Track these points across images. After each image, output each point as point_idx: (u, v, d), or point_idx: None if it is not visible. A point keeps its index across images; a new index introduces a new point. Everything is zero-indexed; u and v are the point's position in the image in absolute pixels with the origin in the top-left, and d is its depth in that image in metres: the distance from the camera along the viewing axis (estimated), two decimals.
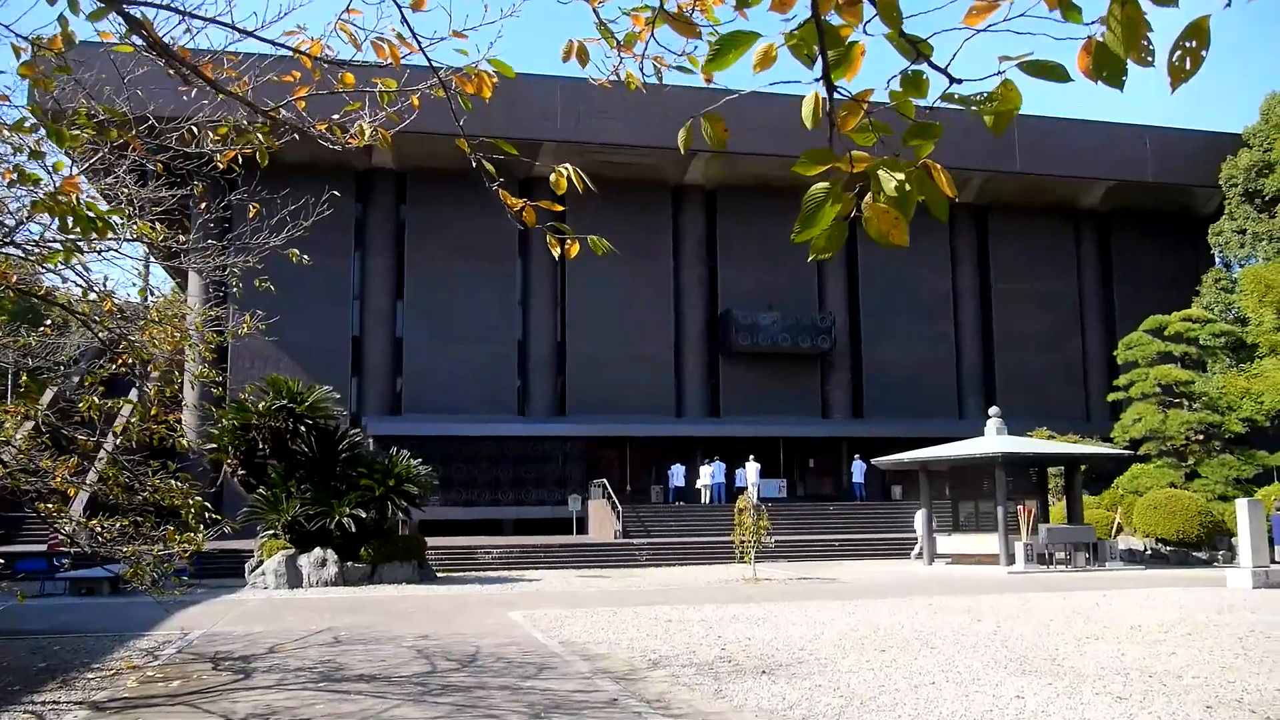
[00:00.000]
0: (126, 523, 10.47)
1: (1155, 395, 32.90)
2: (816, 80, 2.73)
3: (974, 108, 2.55)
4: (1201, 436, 31.86)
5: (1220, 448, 32.42)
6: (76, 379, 12.22)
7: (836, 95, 2.68)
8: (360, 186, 41.13)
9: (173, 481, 9.59)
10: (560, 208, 4.89)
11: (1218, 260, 44.15)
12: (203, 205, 10.44)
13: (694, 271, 43.38)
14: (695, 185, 43.43)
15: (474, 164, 5.11)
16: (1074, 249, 47.95)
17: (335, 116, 6.20)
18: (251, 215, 9.88)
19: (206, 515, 10.59)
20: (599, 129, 39.58)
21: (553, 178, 4.70)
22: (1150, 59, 2.46)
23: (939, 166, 2.64)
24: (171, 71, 5.63)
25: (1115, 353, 36.21)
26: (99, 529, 10.48)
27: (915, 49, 2.58)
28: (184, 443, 9.68)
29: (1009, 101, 2.56)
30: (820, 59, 2.66)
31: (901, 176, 2.56)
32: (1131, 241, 48.39)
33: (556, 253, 4.80)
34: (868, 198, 2.65)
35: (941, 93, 2.63)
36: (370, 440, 36.56)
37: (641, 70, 4.61)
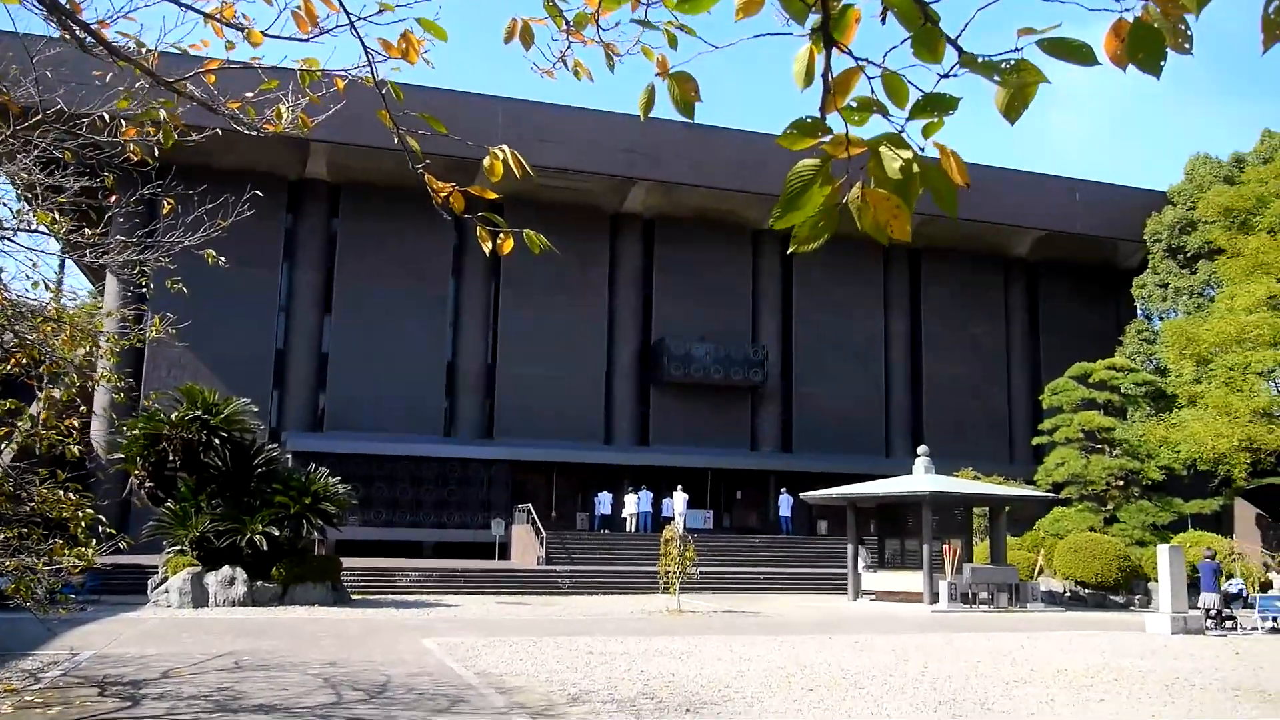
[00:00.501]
0: (11, 534, 9.73)
1: (1078, 440, 33.37)
2: (808, 33, 2.36)
3: (995, 76, 2.20)
4: (1121, 482, 32.36)
5: (1139, 494, 32.96)
6: None
7: (836, 56, 2.30)
8: (292, 197, 40.17)
9: (61, 492, 8.88)
10: (494, 195, 4.45)
11: (1139, 313, 45.18)
12: (113, 198, 9.75)
13: (629, 300, 43.11)
14: (634, 214, 43.25)
15: (397, 140, 4.66)
16: (1003, 297, 48.76)
17: (249, 94, 5.70)
18: (166, 212, 9.31)
19: (100, 529, 9.90)
20: (540, 152, 39.07)
21: (486, 161, 4.26)
22: (1189, 46, 2.15)
23: (950, 149, 2.29)
24: (65, 34, 5.11)
25: (1040, 397, 36.74)
26: None
27: (924, 11, 2.23)
28: (74, 450, 8.96)
29: (1030, 75, 2.22)
30: (821, 8, 2.28)
31: (909, 155, 2.19)
32: (1058, 292, 49.40)
33: (488, 248, 4.37)
34: (856, 189, 2.28)
35: (953, 64, 2.26)
36: (290, 456, 35.46)
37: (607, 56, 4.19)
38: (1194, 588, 20.78)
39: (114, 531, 10.15)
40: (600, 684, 11.03)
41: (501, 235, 4.38)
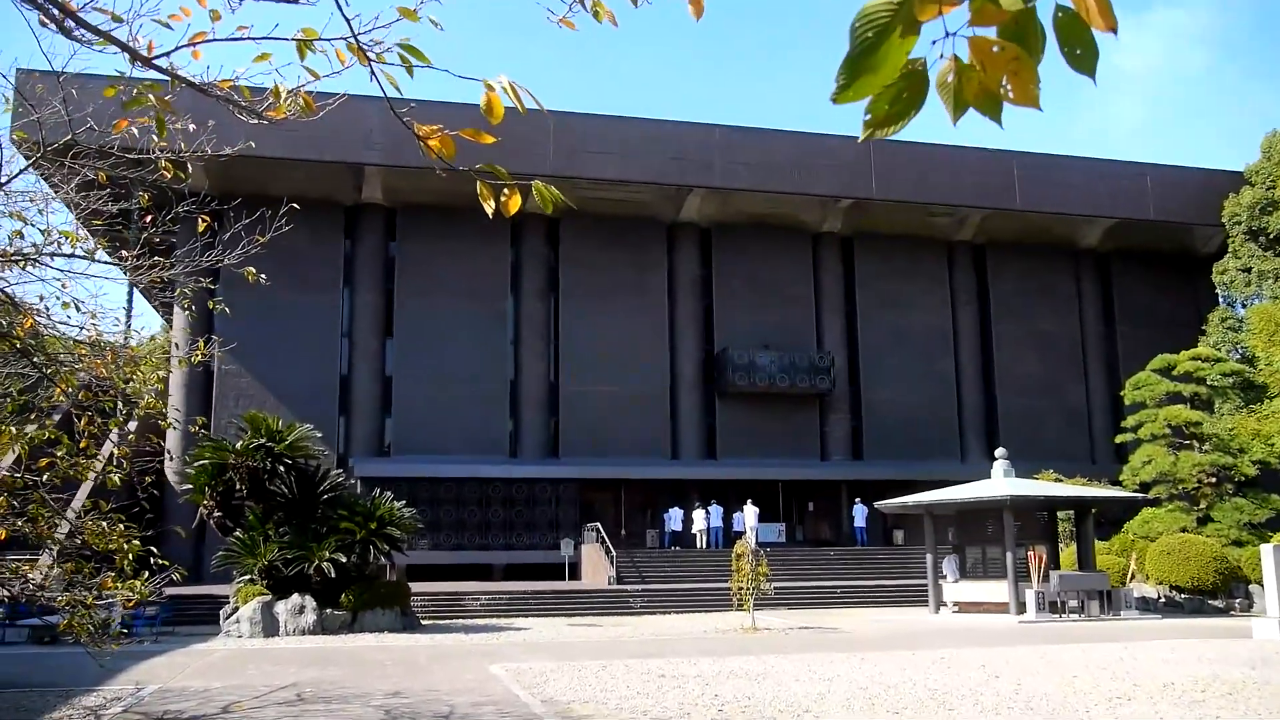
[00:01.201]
0: (71, 568, 9.49)
1: (1165, 436, 31.95)
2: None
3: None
4: (1214, 479, 30.88)
5: (1233, 491, 31.44)
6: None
7: None
8: (349, 222, 40.36)
9: (104, 524, 8.59)
10: (491, 139, 3.92)
11: (1221, 299, 43.38)
12: (147, 218, 9.46)
13: (689, 310, 42.54)
14: (690, 223, 42.71)
15: (404, 126, 4.17)
16: (1074, 289, 47.23)
17: (239, 70, 5.24)
18: (201, 230, 8.98)
19: (153, 560, 9.61)
20: (590, 164, 38.93)
21: (482, 100, 3.70)
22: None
23: None
24: (44, 20, 4.72)
25: (1121, 393, 35.31)
26: (34, 574, 9.49)
27: None
28: (115, 480, 8.66)
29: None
30: None
31: None
32: (1131, 281, 47.72)
33: (490, 207, 3.83)
34: (948, 61, 1.65)
35: None
36: (357, 482, 35.53)
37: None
38: None
39: (166, 563, 9.84)
40: (672, 710, 10.45)
41: (507, 193, 3.83)
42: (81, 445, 8.42)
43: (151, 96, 5.20)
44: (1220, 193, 43.00)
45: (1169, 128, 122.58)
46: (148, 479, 9.21)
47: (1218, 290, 42.86)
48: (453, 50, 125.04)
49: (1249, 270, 40.66)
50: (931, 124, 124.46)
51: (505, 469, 38.50)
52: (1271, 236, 39.98)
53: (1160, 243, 47.11)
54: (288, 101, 4.68)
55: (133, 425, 36.85)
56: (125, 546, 8.44)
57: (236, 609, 23.13)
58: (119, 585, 9.32)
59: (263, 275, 9.61)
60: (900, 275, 44.94)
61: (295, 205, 38.08)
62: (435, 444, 38.90)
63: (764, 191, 40.95)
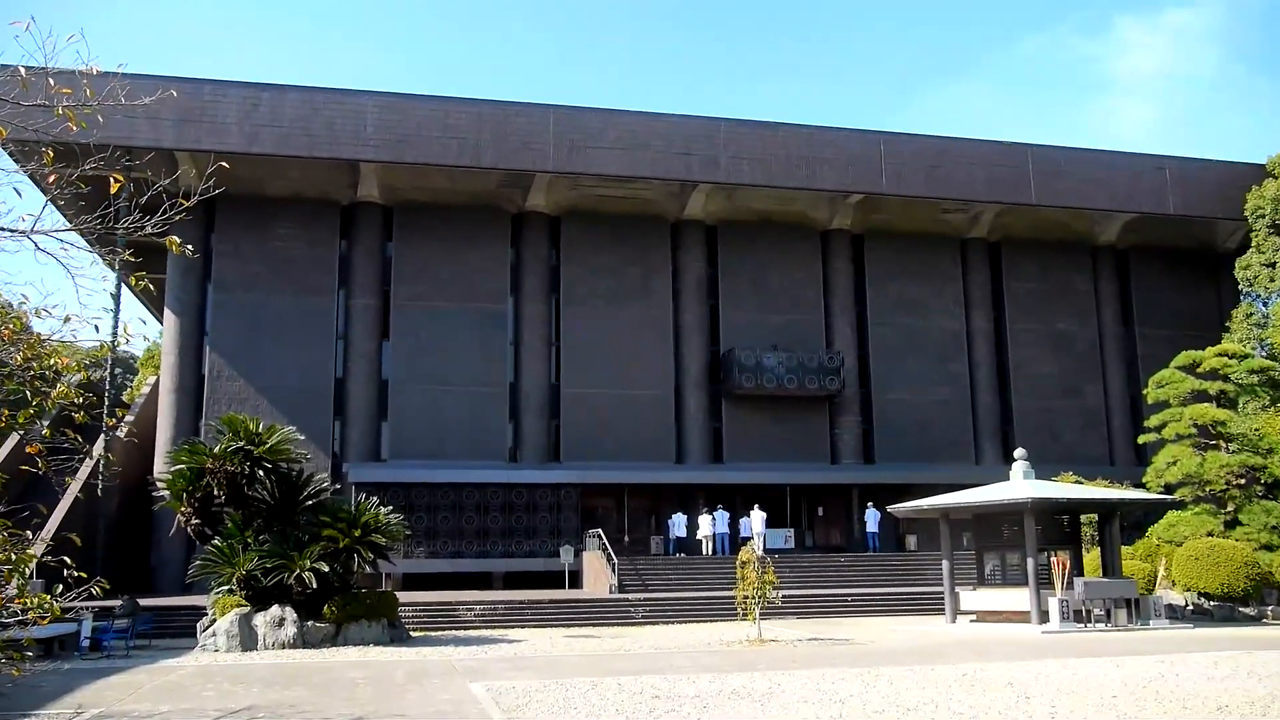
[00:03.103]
0: None
1: (1190, 436, 30.57)
2: None
3: None
4: (1242, 481, 29.48)
5: (1261, 493, 30.05)
6: None
7: None
8: (345, 222, 39.20)
9: None
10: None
11: (1244, 296, 41.95)
12: (51, 178, 8.27)
13: (694, 310, 41.25)
14: (695, 220, 41.44)
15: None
16: (1091, 287, 45.83)
17: None
18: (114, 190, 7.79)
19: (67, 572, 8.42)
20: (593, 159, 37.74)
21: None
22: None
23: None
24: None
25: (1145, 391, 33.90)
26: None
27: None
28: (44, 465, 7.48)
29: None
30: None
31: None
32: (1151, 278, 46.34)
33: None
34: None
35: None
36: (352, 488, 34.36)
37: None
38: None
39: (84, 575, 8.62)
40: None
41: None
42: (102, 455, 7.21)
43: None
44: (1242, 186, 41.62)
45: (1180, 127, 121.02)
46: (67, 479, 8.02)
47: (1240, 286, 41.41)
48: (450, 40, 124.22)
49: (1273, 265, 39.26)
50: (942, 117, 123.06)
51: (505, 474, 37.27)
52: None
53: (1180, 239, 45.73)
54: None
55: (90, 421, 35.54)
56: (15, 557, 7.22)
57: (214, 621, 21.93)
58: (27, 600, 8.12)
59: (188, 247, 8.41)
60: (912, 274, 43.65)
61: (290, 205, 36.95)
62: (433, 449, 37.73)
63: (771, 187, 39.70)
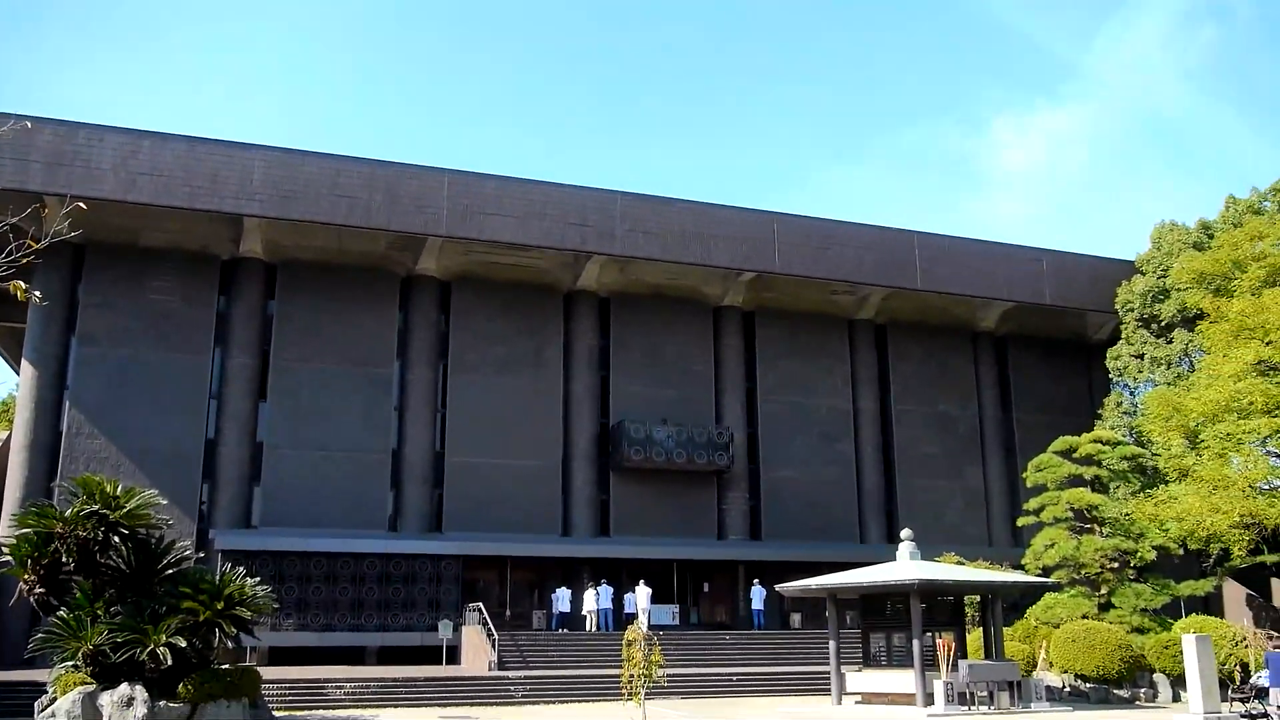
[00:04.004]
0: None
1: (1067, 520, 31.30)
2: None
3: None
4: (1115, 564, 30.24)
5: (1133, 576, 30.86)
6: None
7: None
8: (225, 277, 37.73)
9: None
10: None
11: (1114, 385, 43.68)
12: None
13: (585, 381, 40.84)
14: (588, 291, 41.26)
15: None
16: (972, 371, 47.18)
17: None
18: None
19: None
20: (487, 226, 37.32)
21: None
22: None
23: None
24: None
25: (1024, 475, 34.69)
26: None
27: None
28: None
29: None
30: None
31: None
32: (1028, 365, 47.98)
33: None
34: None
35: None
36: (219, 555, 32.57)
37: None
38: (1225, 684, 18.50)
39: None
40: None
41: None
42: None
43: None
44: (1113, 280, 43.55)
45: (1053, 221, 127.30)
46: None
47: (1111, 375, 43.11)
48: (349, 95, 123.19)
49: (1141, 356, 40.97)
50: (831, 197, 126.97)
51: (384, 544, 35.86)
52: (1163, 324, 40.43)
53: (1055, 328, 47.56)
54: None
55: None
56: None
57: (54, 700, 20.13)
58: None
59: (35, 294, 7.63)
60: (802, 353, 44.22)
61: (166, 257, 35.44)
62: (308, 516, 36.10)
63: (665, 261, 39.86)
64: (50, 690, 20.55)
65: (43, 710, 20.14)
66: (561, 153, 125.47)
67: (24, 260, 7.60)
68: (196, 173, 34.58)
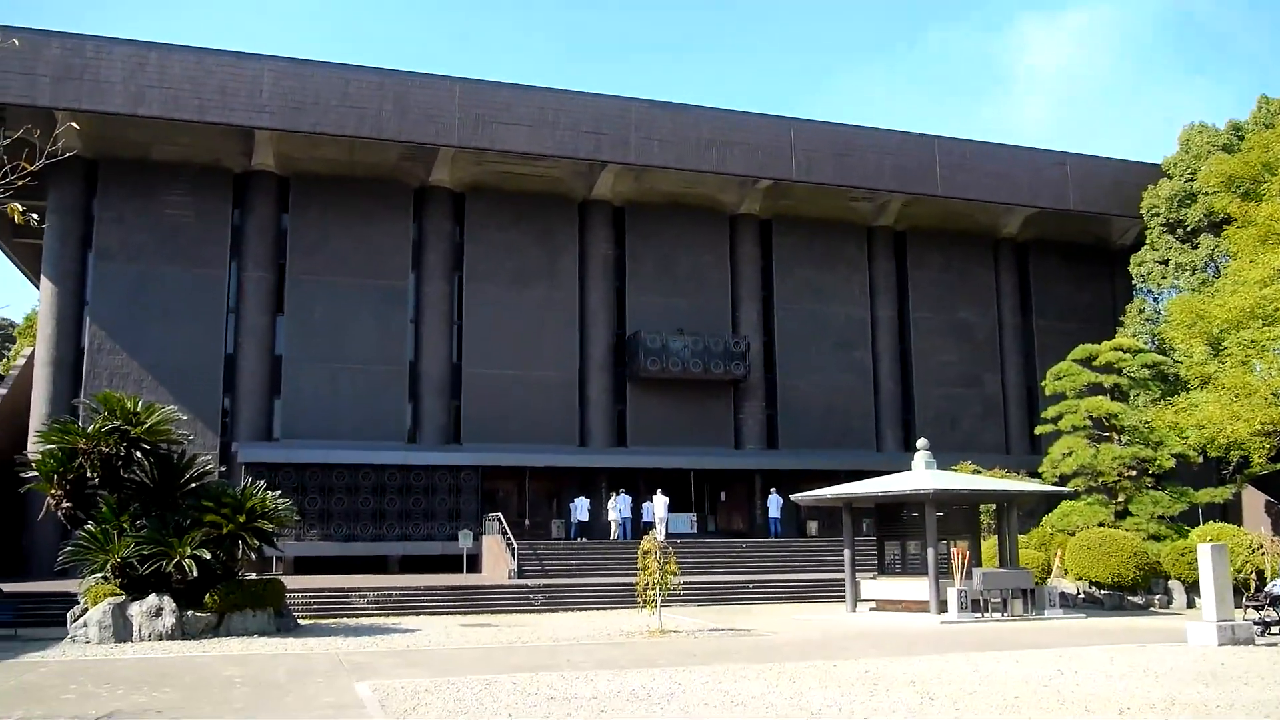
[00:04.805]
0: None
1: (1085, 428, 31.19)
2: None
3: None
4: (1133, 472, 30.21)
5: (1151, 484, 30.84)
6: None
7: None
8: (238, 191, 37.46)
9: None
10: None
11: (1137, 292, 43.14)
12: None
13: (600, 292, 40.63)
14: (603, 201, 40.78)
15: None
16: (993, 278, 46.64)
17: None
18: None
19: None
20: (500, 135, 36.76)
21: None
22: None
23: None
24: None
25: (1042, 383, 34.54)
26: None
27: None
28: None
29: None
30: None
31: None
32: (1050, 272, 47.36)
33: None
34: None
35: None
36: (242, 469, 32.99)
37: None
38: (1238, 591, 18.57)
39: None
40: None
41: None
42: None
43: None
44: (1138, 184, 42.69)
45: (1077, 124, 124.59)
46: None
47: (1134, 282, 42.55)
48: (349, 12, 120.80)
49: (1166, 262, 40.37)
50: (849, 103, 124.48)
51: (402, 455, 36.25)
52: (1189, 229, 39.71)
53: (1078, 234, 46.81)
54: None
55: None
56: None
57: (85, 611, 20.64)
58: None
59: (33, 216, 7.49)
60: (819, 262, 43.78)
61: (179, 172, 35.18)
62: (328, 429, 36.46)
63: (681, 169, 39.26)
64: (81, 601, 21.06)
65: (75, 620, 20.67)
66: (576, 62, 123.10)
67: (19, 182, 7.42)
68: (205, 85, 34.08)
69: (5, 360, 54.99)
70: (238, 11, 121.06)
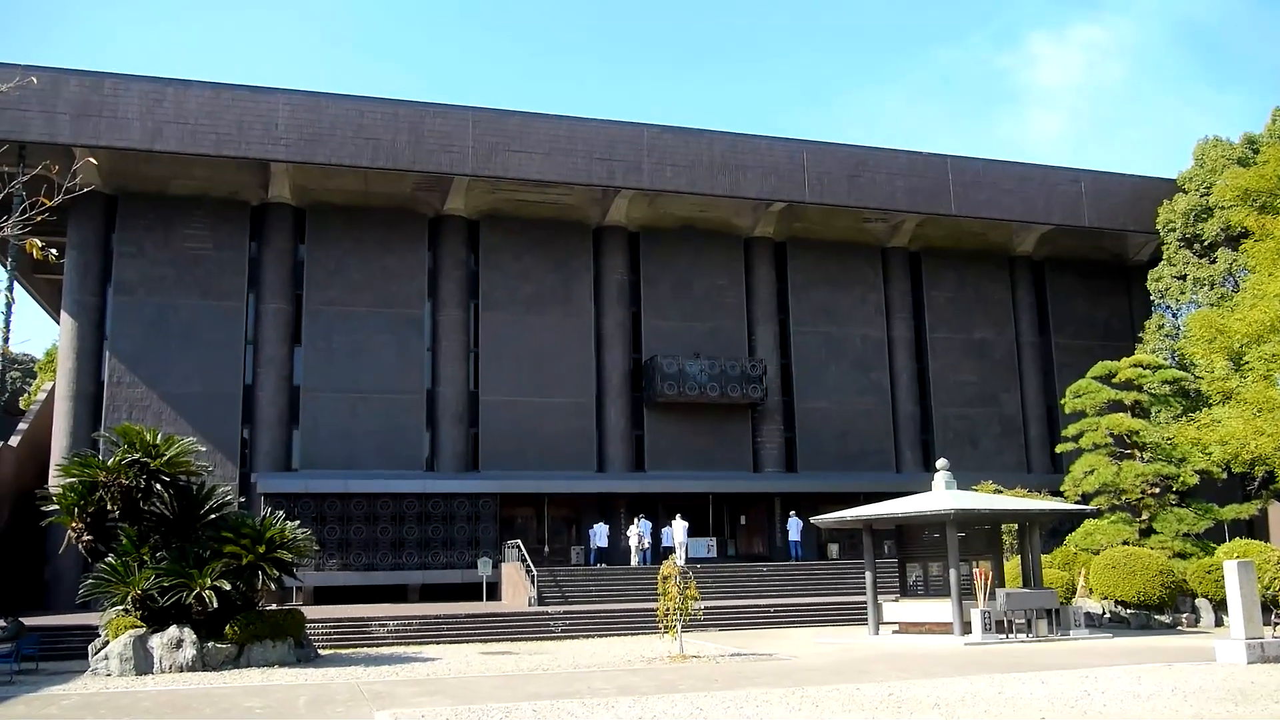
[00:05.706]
0: None
1: (1106, 445, 30.95)
2: None
3: None
4: (1156, 490, 29.93)
5: (1175, 501, 30.54)
6: None
7: None
8: (255, 223, 37.77)
9: None
10: None
11: (1155, 307, 42.90)
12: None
13: (616, 317, 40.68)
14: (617, 226, 40.91)
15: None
16: (1009, 296, 46.46)
17: None
18: None
19: None
20: (514, 163, 36.98)
21: None
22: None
23: None
24: None
25: (1062, 401, 34.32)
26: None
27: None
28: None
29: None
30: None
31: None
32: (1067, 289, 47.17)
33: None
34: None
35: None
36: (261, 499, 33.09)
37: None
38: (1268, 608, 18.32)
39: None
40: None
41: None
42: None
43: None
44: (1154, 200, 42.56)
45: (1090, 140, 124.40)
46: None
47: (1152, 298, 42.32)
48: (362, 41, 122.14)
49: (1184, 277, 40.14)
50: (860, 123, 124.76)
51: (421, 483, 36.26)
52: (1206, 243, 39.51)
53: (1094, 250, 46.65)
54: None
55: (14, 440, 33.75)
56: None
57: (106, 643, 20.66)
58: None
59: (52, 251, 7.56)
60: (835, 283, 43.74)
61: (196, 205, 35.43)
62: (346, 458, 36.55)
63: (694, 194, 39.38)
64: (102, 634, 21.10)
65: (96, 653, 20.70)
66: (587, 88, 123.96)
67: (39, 218, 7.50)
68: (222, 119, 34.46)
69: (26, 395, 55.45)
70: (252, 47, 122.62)
